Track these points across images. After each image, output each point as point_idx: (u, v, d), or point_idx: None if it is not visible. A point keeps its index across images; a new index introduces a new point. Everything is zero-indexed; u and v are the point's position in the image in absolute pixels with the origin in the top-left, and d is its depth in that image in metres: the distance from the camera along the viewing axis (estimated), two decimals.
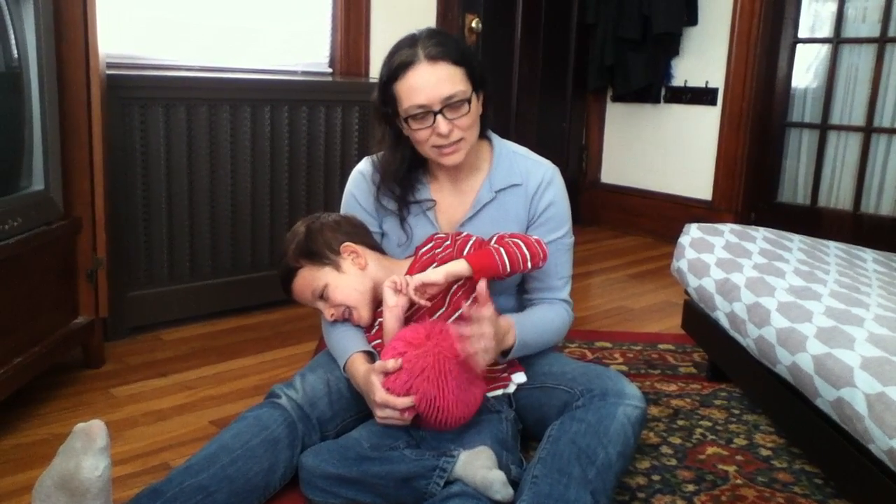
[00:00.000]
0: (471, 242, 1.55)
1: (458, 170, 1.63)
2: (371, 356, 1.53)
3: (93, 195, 1.92)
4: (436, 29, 1.57)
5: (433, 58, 1.48)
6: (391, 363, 1.39)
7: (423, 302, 1.46)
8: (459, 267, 1.46)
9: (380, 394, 1.40)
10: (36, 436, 1.69)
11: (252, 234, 2.51)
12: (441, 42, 1.50)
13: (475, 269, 1.46)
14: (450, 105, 1.49)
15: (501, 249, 1.48)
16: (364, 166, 1.71)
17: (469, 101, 1.51)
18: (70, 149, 1.85)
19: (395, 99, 1.52)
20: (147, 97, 2.22)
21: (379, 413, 1.43)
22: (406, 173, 1.64)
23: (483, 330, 1.38)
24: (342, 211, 1.74)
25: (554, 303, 1.67)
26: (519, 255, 1.48)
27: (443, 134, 1.50)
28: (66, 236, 1.87)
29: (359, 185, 1.70)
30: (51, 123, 1.75)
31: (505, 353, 1.52)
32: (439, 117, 1.49)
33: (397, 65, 1.50)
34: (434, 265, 1.56)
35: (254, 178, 2.47)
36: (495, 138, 1.69)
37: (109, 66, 2.06)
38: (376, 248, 1.66)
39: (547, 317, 1.63)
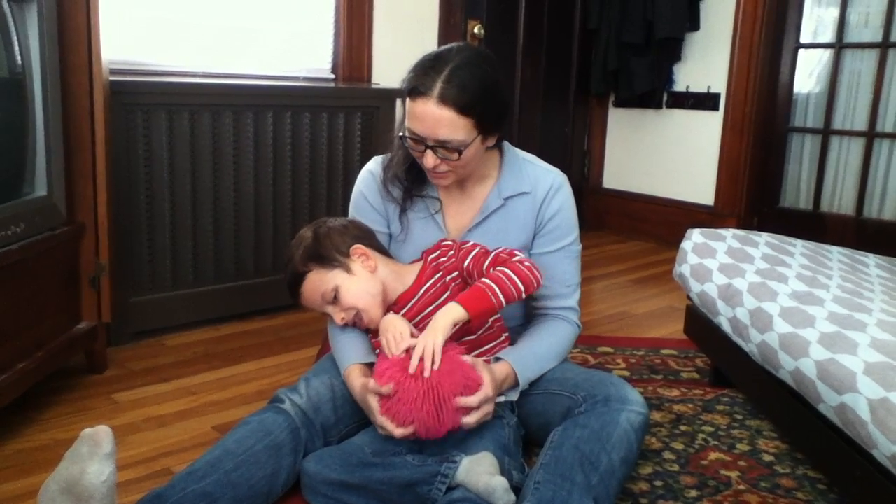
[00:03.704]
0: (472, 255, 1.55)
1: (465, 178, 1.64)
2: (371, 367, 1.53)
3: (96, 201, 1.92)
4: (473, 57, 1.49)
5: (444, 99, 1.43)
6: (384, 389, 1.40)
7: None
8: (457, 315, 1.43)
9: (378, 418, 1.42)
10: (38, 441, 1.69)
11: (255, 240, 2.52)
12: (462, 84, 1.43)
13: (472, 315, 1.44)
14: (443, 146, 1.48)
15: (495, 287, 1.45)
16: (373, 165, 1.72)
17: (462, 149, 1.48)
18: (73, 155, 1.86)
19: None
20: (150, 103, 2.22)
21: (379, 431, 1.44)
22: (416, 168, 1.63)
23: (488, 410, 1.43)
24: (351, 209, 1.74)
25: (560, 317, 1.66)
26: (513, 288, 1.46)
27: (428, 167, 1.52)
28: (69, 242, 1.87)
29: (367, 184, 1.70)
30: (54, 129, 1.75)
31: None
32: (429, 151, 1.49)
33: (412, 87, 1.47)
34: (439, 273, 1.56)
35: (257, 183, 2.48)
36: (506, 146, 1.69)
37: (112, 72, 2.07)
38: (383, 251, 1.66)
39: (550, 341, 1.62)
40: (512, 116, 3.81)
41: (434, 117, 1.45)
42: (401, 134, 1.53)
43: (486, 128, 1.51)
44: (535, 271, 1.50)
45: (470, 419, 1.40)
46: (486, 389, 1.42)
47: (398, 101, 2.70)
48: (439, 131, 1.46)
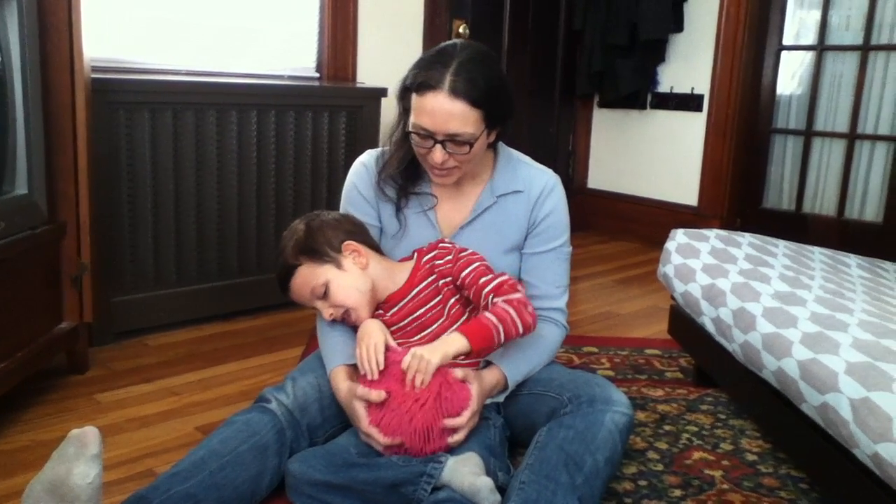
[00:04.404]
0: (473, 266, 1.53)
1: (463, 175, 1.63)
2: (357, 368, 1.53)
3: (77, 199, 1.90)
4: (478, 53, 1.50)
5: (455, 92, 1.44)
6: (374, 395, 1.40)
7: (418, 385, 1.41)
8: (459, 345, 1.41)
9: (364, 425, 1.41)
10: (18, 442, 1.67)
11: (238, 240, 2.50)
12: (471, 78, 1.44)
13: (475, 350, 1.43)
14: (452, 140, 1.48)
15: (501, 328, 1.44)
16: (366, 157, 1.71)
17: (473, 142, 1.49)
18: (55, 153, 1.84)
19: (410, 105, 1.51)
20: (133, 101, 2.20)
21: (363, 438, 1.44)
22: (412, 165, 1.62)
23: (475, 421, 1.44)
24: (343, 201, 1.73)
25: (548, 318, 1.66)
26: (514, 331, 1.45)
27: (436, 163, 1.51)
28: (50, 241, 1.85)
29: (360, 175, 1.69)
30: (35, 127, 1.73)
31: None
32: (438, 146, 1.49)
33: (420, 81, 1.46)
34: (433, 276, 1.56)
35: (240, 182, 2.46)
36: (501, 146, 1.69)
37: (95, 69, 2.05)
38: (375, 248, 1.65)
39: (539, 343, 1.61)
40: None
41: (446, 110, 1.45)
42: (408, 131, 1.52)
43: (493, 122, 1.52)
44: (535, 319, 1.49)
45: (458, 437, 1.41)
46: (473, 406, 1.42)
47: (384, 101, 2.70)
48: (451, 124, 1.46)
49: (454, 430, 1.41)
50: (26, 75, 1.69)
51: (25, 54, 1.68)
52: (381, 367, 1.42)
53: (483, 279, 1.51)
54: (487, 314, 1.45)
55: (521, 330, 1.46)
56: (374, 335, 1.47)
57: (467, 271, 1.53)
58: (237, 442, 1.39)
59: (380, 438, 1.40)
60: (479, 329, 1.44)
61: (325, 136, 2.64)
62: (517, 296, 1.49)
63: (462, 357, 1.44)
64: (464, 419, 1.41)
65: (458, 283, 1.54)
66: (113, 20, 2.45)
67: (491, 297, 1.49)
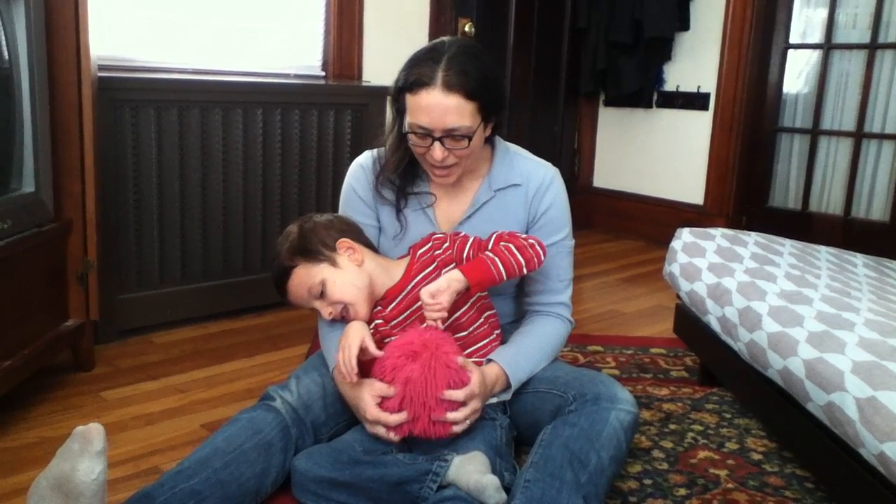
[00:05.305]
0: (469, 242, 1.55)
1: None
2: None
3: (83, 197, 1.91)
4: (467, 46, 1.52)
5: (449, 86, 1.44)
6: (391, 390, 1.40)
7: (435, 322, 1.43)
8: (453, 275, 1.45)
9: (372, 413, 1.41)
10: (24, 439, 1.67)
11: (244, 237, 2.51)
12: (463, 70, 1.45)
13: (472, 283, 1.45)
14: (451, 136, 1.48)
15: (497, 259, 1.47)
16: (364, 159, 1.71)
17: (471, 136, 1.49)
18: (61, 150, 1.84)
19: (405, 106, 1.52)
20: (139, 99, 2.21)
21: (370, 428, 1.44)
22: (409, 166, 1.63)
23: (476, 407, 1.43)
24: (341, 202, 1.73)
25: (552, 314, 1.66)
26: (514, 262, 1.47)
27: (436, 160, 1.51)
28: (56, 239, 1.86)
29: (358, 178, 1.70)
30: (41, 125, 1.74)
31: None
32: (437, 143, 1.49)
33: (413, 80, 1.47)
34: (433, 265, 1.56)
35: (245, 180, 2.47)
36: (498, 140, 1.69)
37: (101, 67, 2.05)
38: (371, 246, 1.65)
39: (542, 340, 1.62)
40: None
41: (442, 106, 1.45)
42: (406, 131, 1.52)
43: (488, 114, 1.52)
44: (538, 248, 1.51)
45: (458, 415, 1.40)
46: (473, 387, 1.42)
47: (388, 101, 2.69)
48: (448, 119, 1.46)
49: (452, 406, 1.40)
50: (33, 73, 1.69)
51: (32, 53, 1.69)
52: (355, 371, 1.42)
53: (482, 242, 1.55)
54: (485, 253, 1.49)
55: (520, 259, 1.48)
56: (350, 337, 1.46)
57: (467, 249, 1.55)
58: (242, 439, 1.39)
59: (389, 419, 1.40)
60: (472, 264, 1.48)
61: (331, 134, 2.64)
62: (519, 237, 1.53)
63: (456, 320, 1.48)
64: (461, 394, 1.40)
65: (465, 262, 1.55)
66: (118, 19, 2.45)
67: (499, 245, 1.52)
